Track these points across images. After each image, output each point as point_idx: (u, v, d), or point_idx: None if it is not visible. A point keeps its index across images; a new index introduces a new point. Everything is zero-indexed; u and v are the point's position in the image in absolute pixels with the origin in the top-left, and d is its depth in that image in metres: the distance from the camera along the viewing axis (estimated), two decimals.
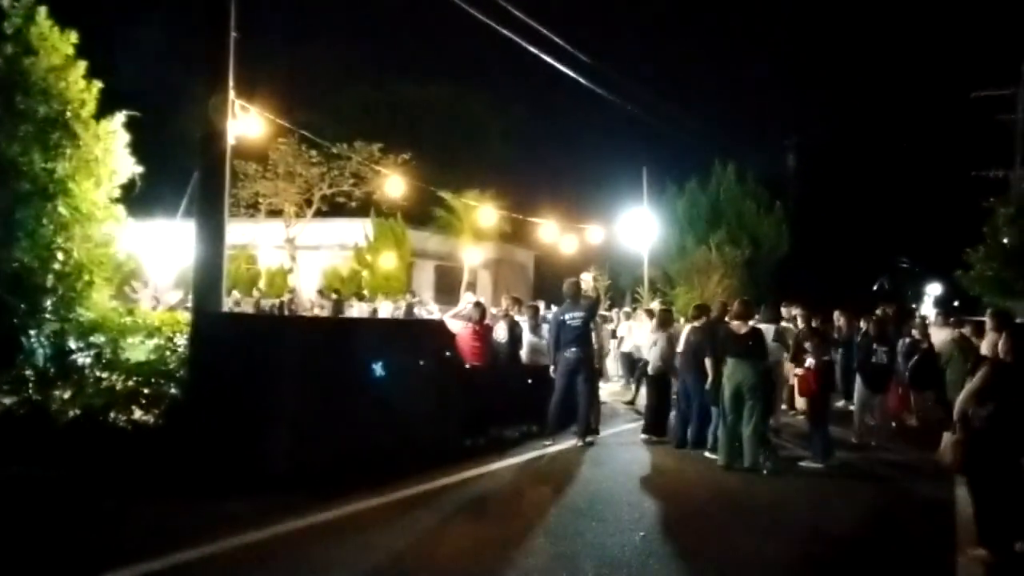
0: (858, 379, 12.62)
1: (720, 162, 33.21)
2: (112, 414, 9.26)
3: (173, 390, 9.50)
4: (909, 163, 43.64)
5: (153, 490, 7.72)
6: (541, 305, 14.12)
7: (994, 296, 23.32)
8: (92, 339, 9.83)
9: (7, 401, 9.09)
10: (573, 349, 11.39)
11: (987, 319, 11.58)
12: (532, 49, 16.78)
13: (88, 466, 8.13)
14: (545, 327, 12.55)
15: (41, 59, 9.81)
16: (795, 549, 7.00)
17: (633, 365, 16.49)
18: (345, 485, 8.07)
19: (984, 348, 9.91)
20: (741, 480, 9.63)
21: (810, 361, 10.69)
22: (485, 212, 24.95)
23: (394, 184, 20.98)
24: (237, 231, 29.01)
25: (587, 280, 11.97)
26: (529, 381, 12.20)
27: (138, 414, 9.39)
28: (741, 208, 32.10)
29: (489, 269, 35.80)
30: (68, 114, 9.83)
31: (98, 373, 9.67)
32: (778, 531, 7.51)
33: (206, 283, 9.58)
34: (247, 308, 19.87)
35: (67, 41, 9.93)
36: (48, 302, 9.76)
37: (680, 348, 11.57)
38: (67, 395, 9.39)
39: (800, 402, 12.46)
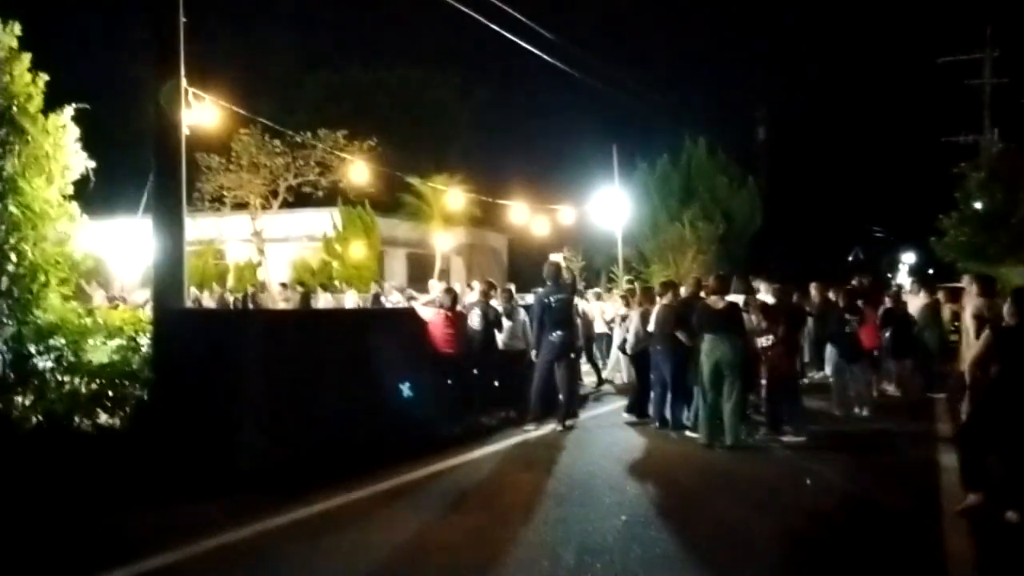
0: (832, 350, 12.51)
1: (691, 137, 33.02)
2: (76, 419, 8.99)
3: (138, 391, 9.23)
4: (879, 132, 43.72)
5: (120, 495, 7.48)
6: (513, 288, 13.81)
7: (968, 262, 23.36)
8: (52, 342, 9.46)
9: None
10: (559, 332, 11.18)
11: (967, 284, 11.51)
12: (494, 27, 16.47)
13: (53, 473, 7.84)
14: (521, 312, 12.32)
15: None
16: (780, 525, 6.83)
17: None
18: (319, 481, 7.85)
19: (967, 313, 9.78)
20: (724, 458, 9.47)
21: (764, 340, 10.54)
22: (453, 196, 24.65)
23: (358, 170, 20.58)
24: (202, 226, 28.64)
25: (558, 259, 11.73)
26: (505, 366, 11.97)
27: (103, 418, 9.13)
28: (713, 183, 31.94)
29: (462, 255, 35.53)
30: (14, 109, 9.41)
31: (59, 377, 9.32)
32: (762, 508, 7.34)
33: (167, 279, 9.25)
34: (210, 305, 19.41)
35: (10, 33, 9.52)
36: (3, 305, 9.38)
37: (652, 326, 11.38)
38: (28, 401, 9.07)
39: None
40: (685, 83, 50.47)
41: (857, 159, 43.05)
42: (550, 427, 11.04)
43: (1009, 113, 29.97)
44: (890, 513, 7.34)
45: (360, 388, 9.45)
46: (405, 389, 10.15)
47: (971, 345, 8.39)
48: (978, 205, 24.98)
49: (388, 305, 15.78)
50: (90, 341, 9.62)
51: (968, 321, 9.52)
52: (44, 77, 9.77)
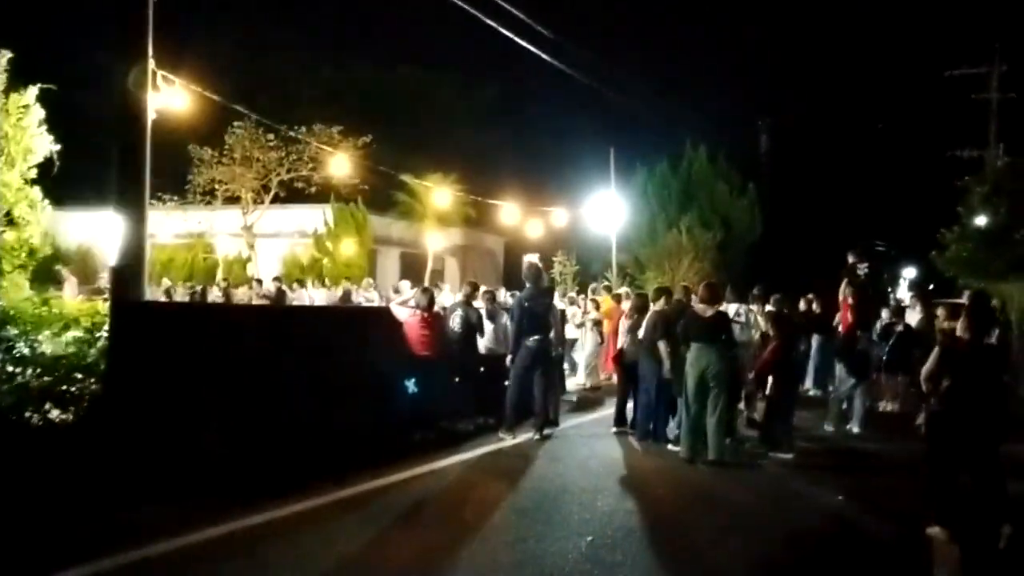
0: (839, 367, 12.00)
1: (691, 143, 32.52)
2: (27, 412, 8.57)
3: (94, 386, 8.82)
4: (883, 144, 43.17)
5: (64, 495, 7.06)
6: (499, 291, 13.45)
7: (969, 278, 22.84)
8: (3, 332, 9.05)
9: None
10: (536, 337, 10.74)
11: (967, 301, 11.05)
12: (494, 25, 16.05)
13: None
14: (504, 315, 11.88)
15: None
16: (754, 549, 6.38)
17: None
18: (275, 486, 7.48)
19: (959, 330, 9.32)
20: (704, 474, 9.02)
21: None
22: (441, 195, 24.23)
23: (341, 164, 20.16)
24: (193, 219, 28.28)
25: (535, 260, 11.29)
26: (486, 371, 11.53)
27: (55, 412, 8.71)
28: (713, 190, 31.44)
29: (456, 256, 35.09)
30: None
31: (10, 368, 8.90)
32: (737, 530, 6.90)
33: (127, 270, 8.81)
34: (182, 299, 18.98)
35: None
36: None
37: (641, 334, 10.93)
38: None
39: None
40: (688, 89, 50.01)
41: (860, 171, 42.51)
42: (527, 436, 10.59)
43: (1015, 128, 29.49)
44: (875, 539, 6.90)
45: (327, 389, 9.06)
46: (376, 392, 9.74)
47: None
48: (981, 220, 24.48)
49: (363, 304, 15.41)
50: (45, 332, 9.23)
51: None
52: (7, 54, 9.38)
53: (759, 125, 37.05)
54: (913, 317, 14.35)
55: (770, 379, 10.48)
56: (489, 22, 15.99)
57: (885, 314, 14.04)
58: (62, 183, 10.98)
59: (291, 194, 28.56)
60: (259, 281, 21.23)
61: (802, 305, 14.27)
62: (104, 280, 22.27)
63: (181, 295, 20.95)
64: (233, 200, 28.29)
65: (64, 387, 8.85)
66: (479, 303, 11.73)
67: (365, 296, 17.44)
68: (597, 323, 15.81)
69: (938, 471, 6.65)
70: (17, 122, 9.38)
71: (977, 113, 31.61)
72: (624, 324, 11.87)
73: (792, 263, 33.53)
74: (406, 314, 10.55)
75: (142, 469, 7.52)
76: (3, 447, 7.97)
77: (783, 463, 9.56)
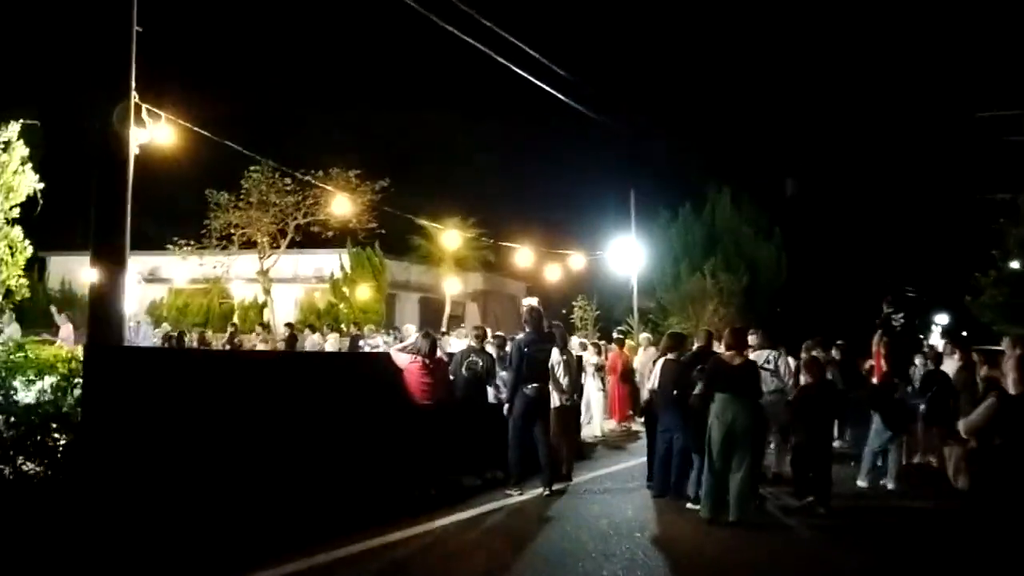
0: (876, 418, 11.16)
1: (715, 186, 31.89)
2: None
3: (69, 436, 8.20)
4: (913, 187, 42.39)
5: (20, 562, 6.42)
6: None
7: (1005, 323, 21.93)
8: None
9: None
10: (535, 385, 10.11)
11: (1008, 347, 10.27)
12: (518, 71, 15.69)
13: None
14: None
15: None
16: None
17: None
18: (263, 547, 6.92)
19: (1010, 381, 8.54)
20: (726, 537, 8.22)
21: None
22: (451, 237, 23.77)
23: (343, 204, 19.72)
24: (209, 264, 28.02)
25: (534, 303, 10.67)
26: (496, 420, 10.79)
27: (29, 465, 8.11)
28: (738, 234, 30.71)
29: (477, 301, 34.57)
30: None
31: None
32: None
33: (104, 313, 8.25)
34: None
35: None
36: None
37: (653, 383, 10.22)
38: None
39: None
40: (713, 132, 49.43)
41: (890, 215, 41.72)
42: (536, 492, 9.87)
43: None
44: None
45: (318, 441, 8.42)
46: (374, 444, 9.09)
47: None
48: (1016, 264, 23.62)
49: (366, 349, 14.81)
50: (19, 378, 8.64)
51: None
52: None
53: (784, 168, 36.35)
54: (949, 365, 13.49)
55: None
56: (513, 68, 15.68)
57: (919, 361, 13.22)
58: (60, 226, 10.64)
59: (308, 239, 28.28)
60: (264, 326, 20.75)
61: (833, 353, 13.47)
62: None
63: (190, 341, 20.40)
64: (250, 245, 28.04)
65: (39, 437, 8.24)
66: (491, 348, 11.07)
67: (370, 343, 16.84)
68: (599, 368, 15.15)
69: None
70: None
71: (1010, 155, 30.81)
72: (651, 371, 11.14)
73: (820, 309, 32.66)
74: (406, 360, 9.90)
75: (116, 528, 6.89)
76: None
77: (811, 525, 8.77)
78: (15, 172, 9.08)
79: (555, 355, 10.84)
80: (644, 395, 11.44)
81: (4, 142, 9.00)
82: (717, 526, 8.56)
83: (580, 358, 15.20)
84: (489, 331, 14.57)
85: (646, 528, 8.47)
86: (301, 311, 27.79)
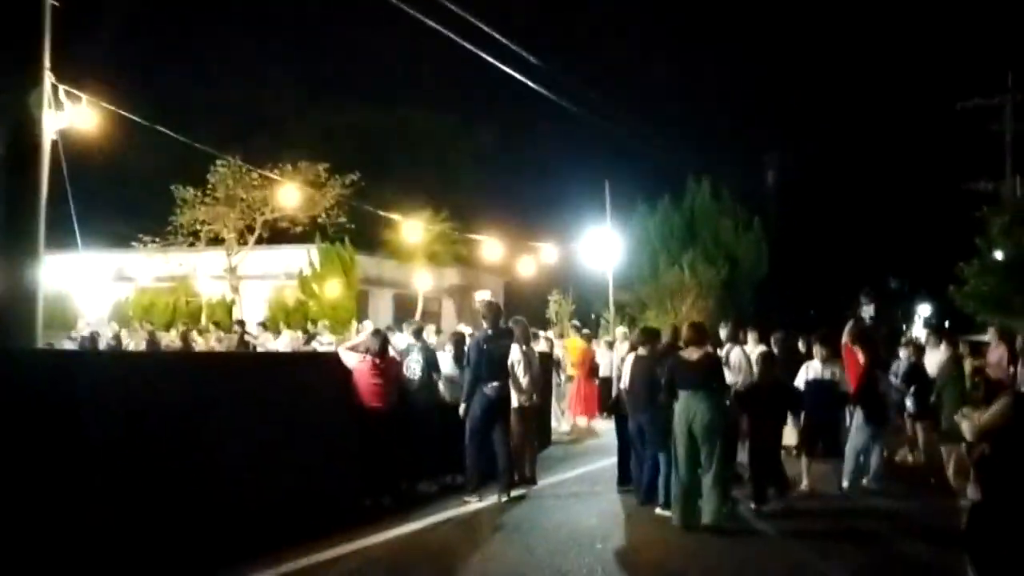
0: (859, 413, 10.54)
1: (694, 177, 31.28)
2: None
3: None
4: (895, 178, 41.91)
5: None
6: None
7: (990, 314, 21.42)
8: None
9: None
10: (495, 384, 9.46)
11: (992, 337, 9.75)
12: (488, 58, 15.12)
13: None
14: None
15: None
16: None
17: None
18: (195, 567, 6.38)
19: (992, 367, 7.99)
20: (696, 545, 7.61)
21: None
22: (435, 233, 23.08)
23: (289, 193, 19.07)
24: (175, 261, 27.21)
25: (486, 298, 10.07)
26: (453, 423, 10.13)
27: None
28: (717, 226, 30.11)
29: (453, 297, 33.84)
30: None
31: None
32: None
33: (17, 313, 7.51)
34: (133, 344, 17.61)
35: None
36: None
37: (625, 383, 9.59)
38: None
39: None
40: (691, 123, 48.77)
41: (871, 206, 41.19)
42: (495, 498, 9.23)
43: None
44: None
45: (257, 449, 7.73)
46: (319, 450, 8.42)
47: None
48: (1000, 254, 23.12)
49: (319, 348, 14.14)
50: None
51: None
52: None
53: (765, 159, 35.80)
54: (934, 357, 12.90)
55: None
56: (483, 55, 15.11)
57: (903, 354, 12.63)
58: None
59: (276, 235, 27.51)
60: (216, 324, 20.01)
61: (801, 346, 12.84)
62: (85, 326, 21.01)
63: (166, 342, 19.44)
64: (217, 241, 27.26)
65: None
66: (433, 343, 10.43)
67: (320, 340, 16.10)
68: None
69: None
70: None
71: (991, 145, 30.38)
72: (624, 368, 10.47)
73: (801, 300, 32.17)
74: (355, 360, 9.22)
75: (21, 545, 6.18)
76: None
77: (790, 530, 8.17)
78: None
79: (515, 352, 10.21)
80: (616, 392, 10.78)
81: None
82: (688, 532, 7.95)
83: (546, 355, 14.66)
84: (466, 328, 13.99)
85: (609, 538, 7.81)
86: (270, 309, 26.97)
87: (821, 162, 38.88)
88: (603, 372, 15.84)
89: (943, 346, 12.12)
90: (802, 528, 8.31)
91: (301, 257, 27.44)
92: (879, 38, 52.28)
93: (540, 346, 14.24)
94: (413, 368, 9.85)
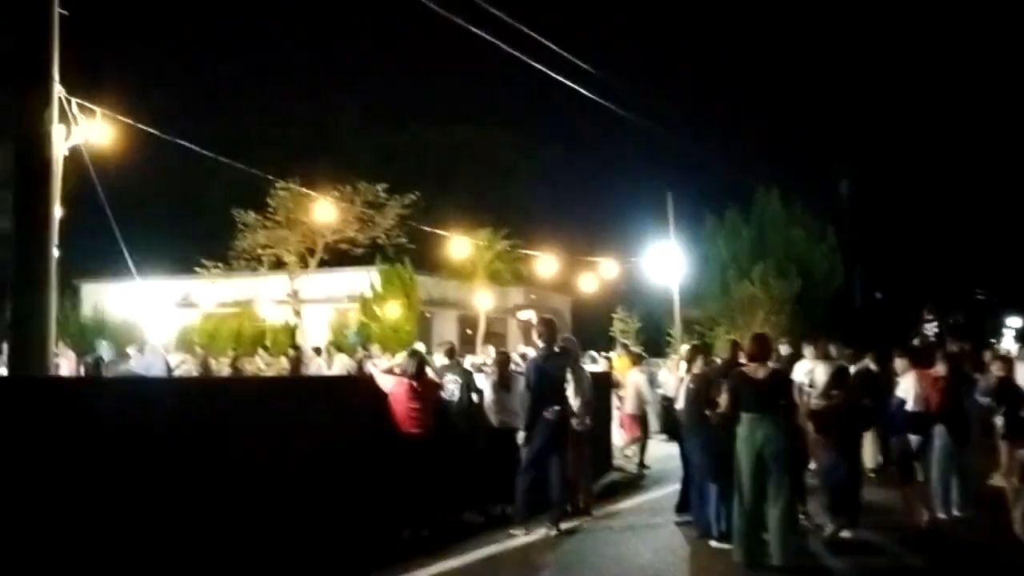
0: (941, 432, 9.57)
1: (763, 187, 30.11)
2: None
3: None
4: (979, 184, 39.99)
5: None
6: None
7: None
8: None
9: None
10: (557, 408, 8.81)
11: None
12: (551, 73, 14.64)
13: None
14: (521, 381, 9.87)
15: None
16: None
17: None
18: None
19: None
20: None
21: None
22: (496, 252, 22.56)
23: (325, 211, 18.63)
24: (238, 286, 27.19)
25: (529, 317, 9.43)
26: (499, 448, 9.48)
27: None
28: (788, 237, 28.90)
29: (539, 320, 33.18)
30: None
31: None
32: None
33: (26, 340, 7.11)
34: (190, 370, 17.34)
35: None
36: None
37: (680, 403, 8.85)
38: None
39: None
40: (757, 131, 47.15)
41: (955, 214, 39.31)
42: (545, 531, 8.55)
43: None
44: None
45: (287, 480, 7.21)
46: (352, 480, 7.86)
47: None
48: None
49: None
50: None
51: None
52: None
53: (837, 166, 34.31)
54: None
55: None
56: (540, 67, 14.64)
57: (993, 368, 11.57)
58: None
59: (336, 256, 27.28)
60: (265, 347, 19.73)
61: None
62: (149, 351, 20.79)
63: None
64: (279, 265, 27.17)
65: None
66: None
67: (375, 364, 15.58)
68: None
69: None
70: None
71: None
72: (683, 387, 9.70)
73: (881, 314, 30.71)
74: (390, 383, 8.65)
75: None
76: None
77: (870, 567, 7.32)
78: None
79: (567, 373, 9.54)
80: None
81: None
82: (755, 572, 7.16)
83: (604, 375, 13.96)
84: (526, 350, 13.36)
85: None
86: (333, 332, 26.75)
87: (899, 168, 37.27)
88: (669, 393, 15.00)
89: None
90: (882, 565, 7.46)
91: (363, 280, 27.23)
92: (964, 37, 50.00)
93: (592, 366, 13.59)
94: (451, 390, 9.24)
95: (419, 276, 28.03)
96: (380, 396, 8.53)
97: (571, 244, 26.81)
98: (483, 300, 27.20)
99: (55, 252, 7.22)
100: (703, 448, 8.11)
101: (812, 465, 9.15)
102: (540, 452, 8.77)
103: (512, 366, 10.39)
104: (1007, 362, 11.70)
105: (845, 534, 8.17)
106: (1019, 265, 36.32)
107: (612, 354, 16.33)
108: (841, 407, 8.50)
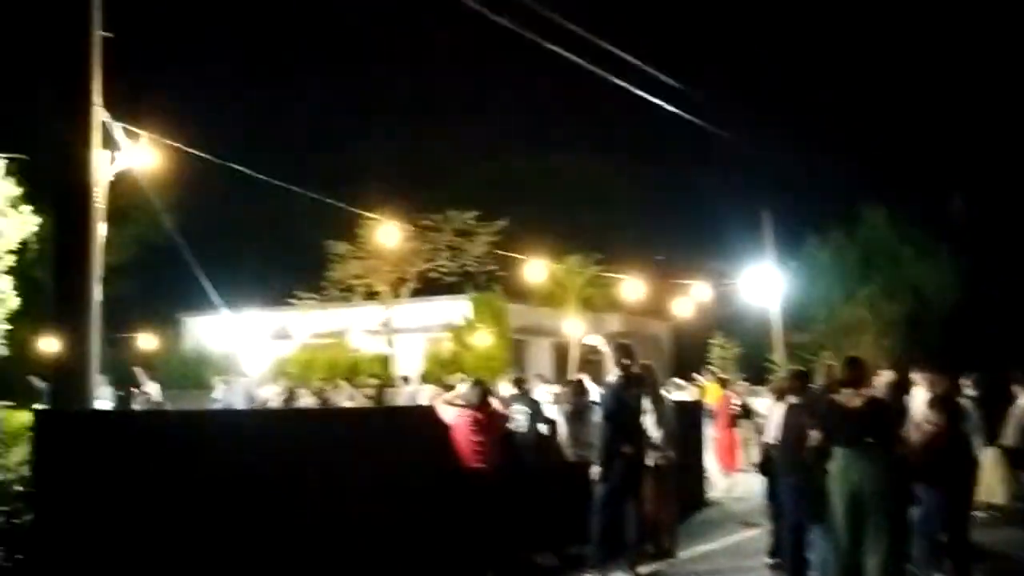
0: None
1: (868, 204, 28.56)
2: None
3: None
4: None
5: None
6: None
7: None
8: None
9: None
10: (634, 443, 8.18)
11: None
12: (633, 89, 14.06)
13: None
14: (597, 411, 9.21)
15: None
16: None
17: None
18: None
19: None
20: None
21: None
22: (589, 277, 21.95)
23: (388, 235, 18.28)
24: (332, 317, 27.29)
25: (595, 343, 8.81)
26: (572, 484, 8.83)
27: None
28: (897, 256, 27.29)
29: (613, 343, 32.42)
30: None
31: None
32: None
33: (67, 373, 6.85)
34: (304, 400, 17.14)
35: None
36: None
37: (773, 436, 8.06)
38: None
39: None
40: (859, 145, 44.81)
41: None
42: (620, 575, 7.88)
43: None
44: None
45: (340, 516, 6.81)
46: (413, 519, 7.37)
47: None
48: None
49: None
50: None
51: None
52: None
53: (949, 179, 32.31)
54: None
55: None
56: (631, 88, 14.09)
57: None
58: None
59: (428, 285, 27.12)
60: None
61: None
62: (251, 384, 20.67)
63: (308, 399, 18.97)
64: (371, 295, 27.18)
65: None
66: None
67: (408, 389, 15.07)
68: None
69: None
70: None
71: None
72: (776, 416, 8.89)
73: (1007, 335, 28.60)
74: (453, 415, 8.13)
75: None
76: None
77: None
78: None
79: (644, 402, 8.84)
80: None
81: None
82: None
83: (694, 403, 13.19)
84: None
85: None
86: (428, 362, 26.54)
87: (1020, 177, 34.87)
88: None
89: None
90: None
91: (455, 308, 27.01)
92: None
93: (680, 394, 12.83)
94: (518, 421, 8.66)
95: (511, 304, 27.65)
96: (443, 429, 8.04)
97: (666, 268, 26.01)
98: (574, 327, 26.57)
99: (98, 281, 6.95)
100: (797, 486, 7.30)
101: None
102: (616, 490, 8.11)
103: (587, 395, 9.71)
104: None
105: None
106: None
107: (703, 379, 15.41)
108: (940, 439, 7.49)
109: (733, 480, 13.79)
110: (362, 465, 7.14)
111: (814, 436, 6.98)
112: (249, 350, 26.66)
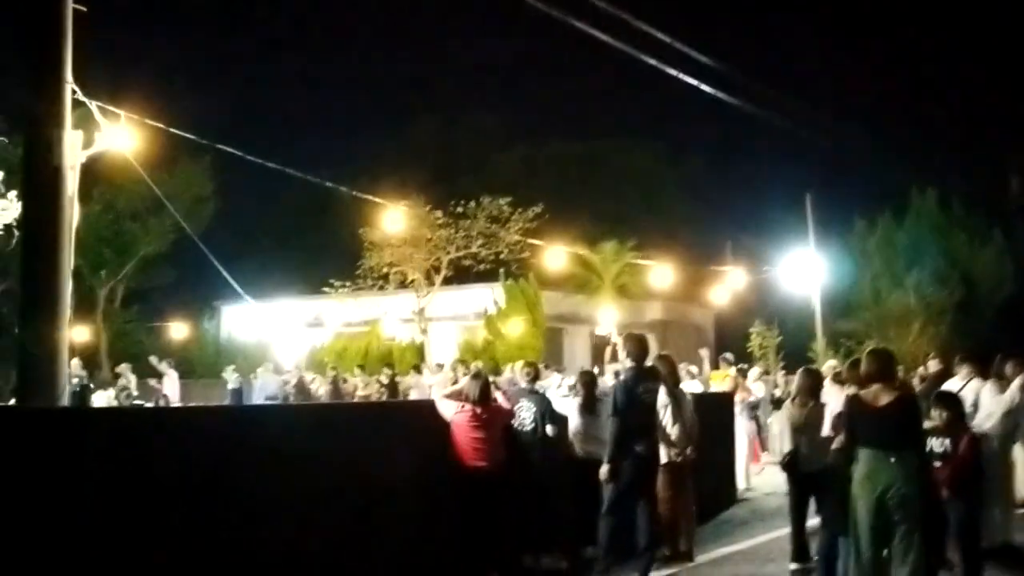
0: None
1: (918, 188, 27.51)
2: None
3: None
4: None
5: None
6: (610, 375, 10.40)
7: None
8: None
9: None
10: (647, 440, 7.66)
11: None
12: (687, 78, 13.63)
13: None
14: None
15: None
16: None
17: None
18: None
19: None
20: None
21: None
22: (625, 264, 21.38)
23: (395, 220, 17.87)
24: (365, 306, 27.00)
25: (606, 333, 8.34)
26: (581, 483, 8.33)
27: None
28: (948, 241, 26.25)
29: (656, 332, 31.74)
30: None
31: None
32: None
33: (37, 367, 6.47)
34: (314, 386, 16.85)
35: None
36: None
37: (825, 430, 7.49)
38: None
39: None
40: (909, 126, 43.32)
41: None
42: None
43: None
44: None
45: (332, 517, 6.44)
46: (409, 521, 6.96)
47: None
48: None
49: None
50: None
51: None
52: None
53: (1005, 161, 31.02)
54: None
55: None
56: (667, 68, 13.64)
57: None
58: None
59: (459, 272, 26.72)
60: (361, 367, 19.14)
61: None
62: (295, 371, 20.39)
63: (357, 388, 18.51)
64: (404, 284, 26.84)
65: None
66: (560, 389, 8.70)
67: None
68: (753, 406, 12.30)
69: None
70: None
71: None
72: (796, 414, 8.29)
73: None
74: (452, 410, 7.66)
75: None
76: None
77: None
78: None
79: (661, 395, 8.30)
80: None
81: None
82: None
83: (726, 395, 12.60)
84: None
85: None
86: (460, 350, 26.16)
87: None
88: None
89: None
90: None
91: (489, 296, 26.62)
92: None
93: (691, 383, 12.30)
94: (524, 417, 8.16)
95: (546, 292, 27.15)
96: (442, 425, 7.58)
97: (706, 254, 25.34)
98: (610, 314, 26.01)
99: (69, 269, 6.57)
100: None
101: None
102: (626, 491, 7.59)
103: (598, 387, 9.17)
104: None
105: None
106: None
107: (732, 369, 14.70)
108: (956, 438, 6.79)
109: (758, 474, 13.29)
110: (360, 466, 6.71)
111: (837, 438, 6.41)
112: (283, 338, 26.56)
